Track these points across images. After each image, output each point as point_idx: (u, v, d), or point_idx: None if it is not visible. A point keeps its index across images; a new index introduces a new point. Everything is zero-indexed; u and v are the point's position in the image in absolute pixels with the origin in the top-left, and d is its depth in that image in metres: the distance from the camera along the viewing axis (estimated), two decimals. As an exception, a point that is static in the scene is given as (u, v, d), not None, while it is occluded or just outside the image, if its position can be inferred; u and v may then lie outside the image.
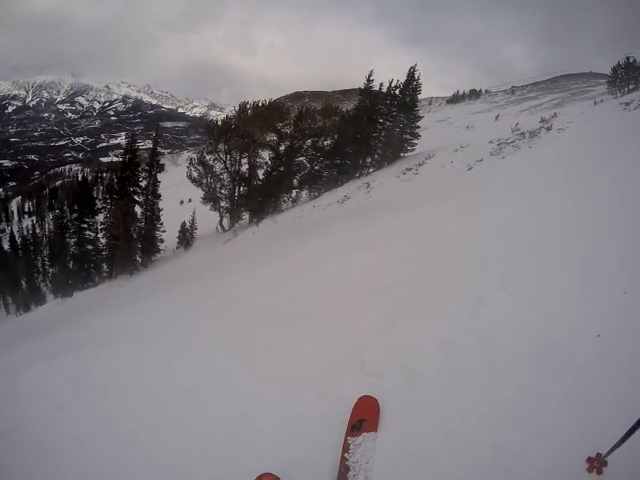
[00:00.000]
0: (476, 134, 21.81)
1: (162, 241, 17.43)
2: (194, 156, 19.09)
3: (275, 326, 3.62)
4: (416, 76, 17.83)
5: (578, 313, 2.22)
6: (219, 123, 18.49)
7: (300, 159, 18.27)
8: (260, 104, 17.99)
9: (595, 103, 14.48)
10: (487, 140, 12.39)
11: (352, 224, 7.92)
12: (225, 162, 17.90)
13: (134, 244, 16.73)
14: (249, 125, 17.11)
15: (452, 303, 2.79)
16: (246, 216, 18.15)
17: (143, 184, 17.31)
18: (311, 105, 19.41)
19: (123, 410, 2.93)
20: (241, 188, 18.38)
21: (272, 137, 18.06)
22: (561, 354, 1.97)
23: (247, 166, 18.18)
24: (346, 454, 1.83)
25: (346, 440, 1.89)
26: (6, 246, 39.13)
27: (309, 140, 18.02)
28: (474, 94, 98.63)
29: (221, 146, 17.70)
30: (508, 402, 1.84)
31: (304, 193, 18.07)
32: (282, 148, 18.11)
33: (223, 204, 18.18)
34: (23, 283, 32.54)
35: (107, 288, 15.91)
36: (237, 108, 18.27)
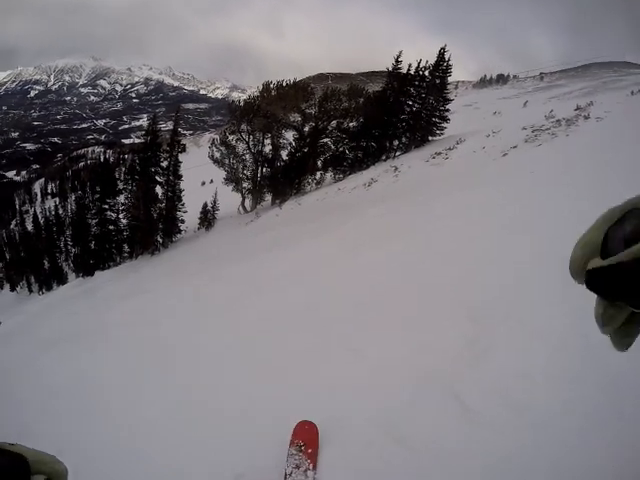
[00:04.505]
0: (504, 120, 20.79)
1: (183, 222, 17.19)
2: (216, 137, 18.68)
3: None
4: (446, 57, 16.89)
5: None
6: (242, 103, 17.93)
7: (325, 140, 17.62)
8: (284, 84, 17.37)
9: (632, 93, 13.46)
10: (520, 126, 11.78)
11: (382, 210, 7.37)
12: (248, 143, 17.40)
13: (155, 225, 16.59)
14: (273, 105, 16.54)
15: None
16: (268, 198, 17.73)
17: (164, 165, 17.07)
18: (335, 86, 18.72)
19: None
20: (264, 169, 17.91)
21: (296, 118, 17.43)
22: None
23: (270, 147, 17.64)
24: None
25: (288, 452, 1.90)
26: (29, 227, 40.11)
27: (334, 121, 17.34)
28: (501, 79, 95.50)
29: (244, 126, 17.17)
30: None
31: (328, 175, 17.46)
32: (306, 129, 17.48)
33: (245, 185, 17.78)
34: (46, 263, 33.35)
35: (127, 268, 15.90)
36: (260, 88, 17.70)
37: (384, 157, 16.75)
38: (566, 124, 10.37)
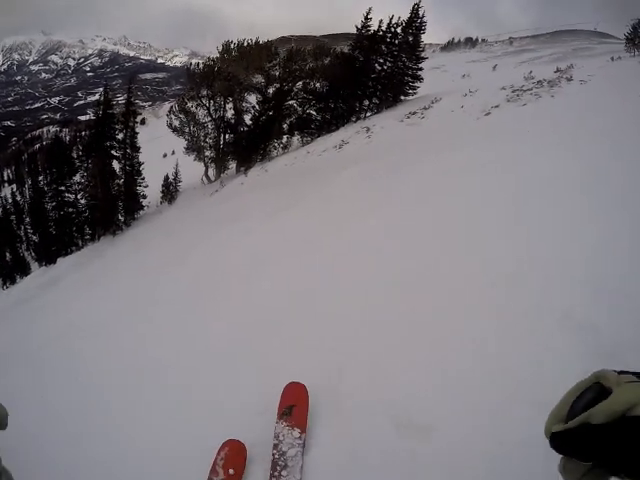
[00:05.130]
0: (474, 82, 20.43)
1: (145, 197, 16.15)
2: (175, 104, 17.36)
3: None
4: (420, 14, 16.03)
5: None
6: (201, 66, 16.54)
7: (290, 103, 16.65)
8: (246, 44, 16.13)
9: (612, 59, 13.39)
10: (499, 86, 11.50)
11: (355, 172, 6.85)
12: (209, 108, 16.21)
13: (114, 202, 15.49)
14: (234, 66, 15.35)
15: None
16: (233, 165, 16.83)
17: (120, 137, 15.77)
18: (300, 46, 17.59)
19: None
20: (227, 135, 16.86)
21: (259, 80, 16.31)
22: None
23: (233, 112, 16.52)
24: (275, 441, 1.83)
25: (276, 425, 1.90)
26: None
27: (300, 82, 16.33)
28: (470, 42, 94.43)
29: (204, 91, 15.96)
30: None
31: (296, 139, 16.61)
32: (270, 91, 16.41)
33: (208, 153, 16.75)
34: (8, 255, 31.44)
35: (90, 251, 14.95)
36: (220, 49, 16.34)
37: (354, 118, 16.01)
38: (549, 85, 10.23)
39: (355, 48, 16.76)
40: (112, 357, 3.37)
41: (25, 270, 29.31)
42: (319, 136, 15.17)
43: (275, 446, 1.79)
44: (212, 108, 16.17)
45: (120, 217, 15.84)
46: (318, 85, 16.60)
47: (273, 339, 2.64)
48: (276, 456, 1.75)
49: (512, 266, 2.49)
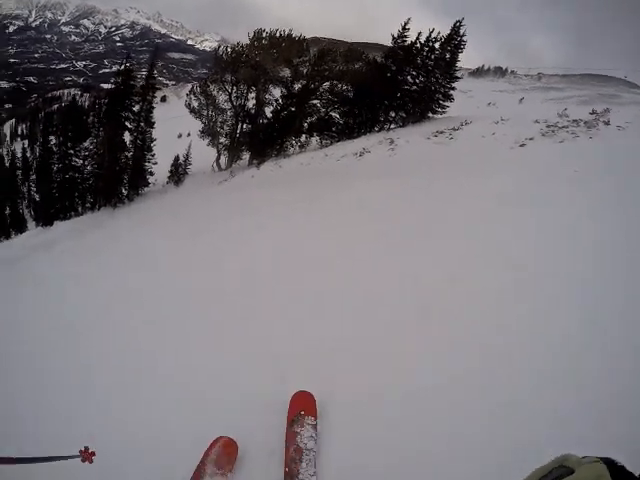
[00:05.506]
0: (498, 112, 20.11)
1: (152, 174, 15.74)
2: (196, 85, 16.95)
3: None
4: (461, 32, 15.59)
5: None
6: (229, 50, 16.10)
7: (314, 102, 16.14)
8: (278, 34, 15.70)
9: None
10: (531, 119, 11.17)
11: (377, 184, 6.44)
12: (230, 94, 15.72)
13: (120, 174, 15.08)
14: (262, 54, 14.91)
15: None
16: (246, 157, 16.31)
17: (136, 109, 15.38)
18: (332, 46, 17.15)
19: None
20: (244, 125, 16.34)
21: (285, 73, 15.88)
22: None
23: (254, 102, 16.05)
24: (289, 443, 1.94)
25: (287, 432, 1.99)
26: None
27: (327, 83, 15.86)
28: (499, 72, 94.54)
29: (228, 76, 15.49)
30: None
31: (315, 140, 16.11)
32: (296, 87, 15.96)
33: (222, 140, 16.24)
34: (7, 208, 31.20)
35: (89, 219, 14.72)
36: (251, 35, 15.90)
37: (377, 128, 15.55)
38: (585, 126, 9.91)
39: (388, 57, 16.32)
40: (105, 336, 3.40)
41: (21, 227, 28.99)
42: (339, 140, 14.72)
43: (290, 444, 1.93)
44: (234, 95, 15.72)
45: (123, 190, 15.41)
46: (345, 88, 16.13)
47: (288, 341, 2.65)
48: (292, 453, 1.89)
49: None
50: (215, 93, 15.72)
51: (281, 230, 5.07)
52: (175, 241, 6.20)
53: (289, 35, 15.86)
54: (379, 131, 14.90)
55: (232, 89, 15.63)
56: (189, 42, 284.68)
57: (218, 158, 16.37)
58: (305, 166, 11.36)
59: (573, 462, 0.52)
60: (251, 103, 16.04)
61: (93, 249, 8.49)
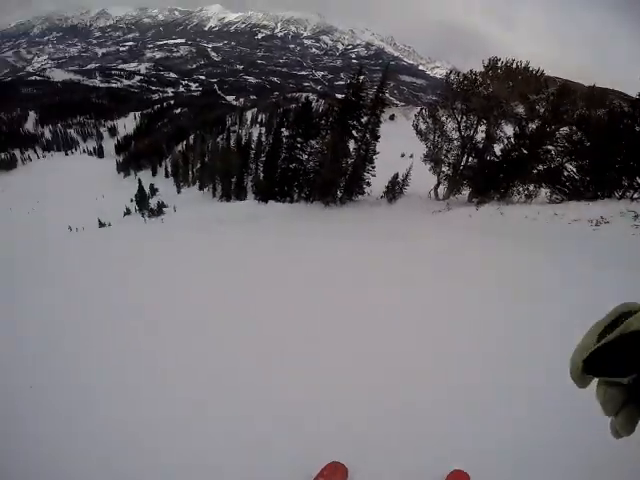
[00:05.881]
0: None
1: (369, 184, 16.67)
2: (425, 109, 17.16)
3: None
4: None
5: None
6: (461, 77, 15.47)
7: (549, 147, 14.11)
8: (515, 65, 14.41)
9: None
10: None
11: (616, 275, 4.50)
12: (459, 123, 15.21)
13: (337, 177, 16.62)
14: (497, 85, 13.88)
15: None
16: (466, 192, 15.51)
17: (363, 121, 16.68)
18: (572, 87, 14.60)
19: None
20: (470, 158, 15.58)
21: (520, 110, 14.42)
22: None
23: (483, 135, 15.09)
24: None
25: None
26: (232, 144, 46.99)
27: (565, 128, 13.72)
28: None
29: (458, 104, 15.06)
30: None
31: (543, 192, 14.18)
32: (530, 127, 14.33)
33: (445, 169, 15.87)
34: (235, 178, 38.87)
35: (300, 208, 16.61)
36: (485, 63, 15.02)
37: (617, 194, 12.46)
38: None
39: (637, 107, 12.79)
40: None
41: (241, 196, 35.88)
42: (570, 199, 12.46)
43: None
44: (463, 124, 15.17)
45: (338, 192, 16.86)
46: (584, 138, 13.49)
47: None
48: None
49: None
50: (444, 119, 15.57)
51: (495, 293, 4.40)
52: (372, 259, 6.29)
53: (526, 68, 14.33)
54: (620, 199, 11.89)
55: (461, 118, 15.12)
56: (420, 67, 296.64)
57: (437, 186, 16.09)
58: (531, 221, 9.99)
59: (636, 306, 0.45)
60: (480, 137, 15.15)
61: (290, 233, 9.36)
